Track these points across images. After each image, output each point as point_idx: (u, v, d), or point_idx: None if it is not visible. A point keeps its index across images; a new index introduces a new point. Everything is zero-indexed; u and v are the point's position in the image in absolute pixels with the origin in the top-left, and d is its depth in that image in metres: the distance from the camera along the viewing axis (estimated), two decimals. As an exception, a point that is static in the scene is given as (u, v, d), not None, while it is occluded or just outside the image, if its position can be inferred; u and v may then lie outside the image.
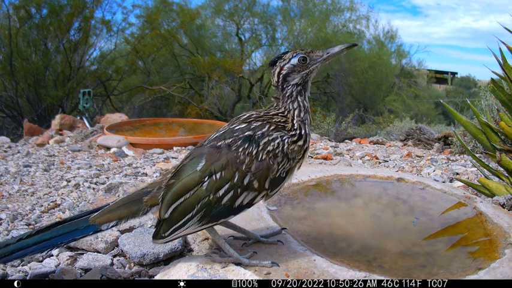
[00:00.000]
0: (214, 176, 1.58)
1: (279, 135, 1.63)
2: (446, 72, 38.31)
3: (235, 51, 18.87)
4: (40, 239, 1.62)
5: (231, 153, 1.59)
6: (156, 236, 1.63)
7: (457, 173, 3.86)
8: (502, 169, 2.86)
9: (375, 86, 18.99)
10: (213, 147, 1.64)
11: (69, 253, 2.02)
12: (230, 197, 1.58)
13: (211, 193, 1.57)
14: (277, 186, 1.65)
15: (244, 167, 1.57)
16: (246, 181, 1.58)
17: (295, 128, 1.67)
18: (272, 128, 1.65)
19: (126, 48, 15.14)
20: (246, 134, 1.63)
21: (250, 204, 1.62)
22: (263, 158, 1.59)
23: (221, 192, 1.57)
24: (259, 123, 1.67)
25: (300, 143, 1.66)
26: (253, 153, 1.59)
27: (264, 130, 1.64)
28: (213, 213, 1.59)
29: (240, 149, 1.59)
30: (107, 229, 1.66)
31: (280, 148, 1.61)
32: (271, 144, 1.60)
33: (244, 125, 1.67)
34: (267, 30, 18.88)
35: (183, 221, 1.59)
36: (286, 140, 1.63)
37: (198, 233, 1.99)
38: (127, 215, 1.66)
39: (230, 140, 1.63)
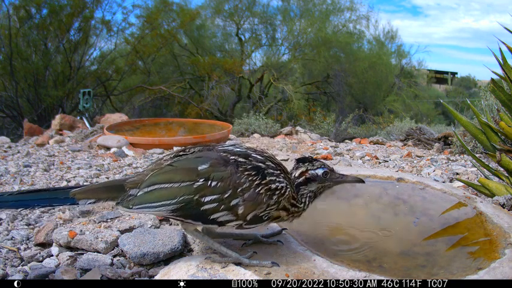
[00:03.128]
0: (209, 182, 1.60)
1: (285, 184, 1.68)
2: (446, 72, 38.32)
3: (235, 51, 18.88)
4: (19, 198, 1.70)
5: (236, 171, 1.62)
6: (123, 203, 1.65)
7: (457, 173, 3.86)
8: (502, 169, 2.86)
9: (375, 86, 18.99)
10: (222, 158, 1.67)
11: (69, 253, 2.02)
12: (211, 207, 1.60)
13: (198, 195, 1.59)
14: (254, 224, 1.67)
15: (239, 190, 1.60)
16: (233, 203, 1.60)
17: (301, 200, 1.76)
18: (283, 176, 1.70)
19: (126, 48, 15.13)
20: (258, 164, 1.67)
21: (222, 223, 1.64)
22: (260, 192, 1.62)
23: (206, 199, 1.59)
24: (275, 165, 1.72)
25: (295, 204, 1.73)
26: (255, 182, 1.62)
27: (275, 172, 1.69)
28: (187, 212, 1.61)
29: (246, 173, 1.63)
30: (83, 205, 1.70)
31: (280, 193, 1.65)
32: (275, 184, 1.65)
33: (261, 158, 1.72)
34: (267, 30, 18.90)
35: (158, 203, 1.61)
36: (288, 192, 1.68)
37: (197, 234, 1.99)
38: (106, 197, 1.70)
39: (242, 160, 1.67)
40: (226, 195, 1.60)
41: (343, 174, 1.83)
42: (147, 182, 1.65)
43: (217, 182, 1.60)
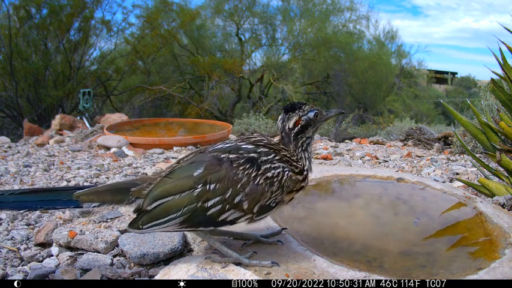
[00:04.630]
0: (208, 185, 1.60)
1: (281, 166, 1.67)
2: (446, 72, 38.31)
3: (235, 51, 18.88)
4: (21, 199, 1.66)
5: (231, 169, 1.62)
6: (133, 225, 1.65)
7: (457, 173, 3.86)
8: (502, 169, 2.86)
9: (375, 86, 19.00)
10: (215, 158, 1.66)
11: (69, 253, 2.02)
12: (217, 210, 1.60)
13: (200, 201, 1.59)
14: (264, 214, 1.67)
15: (239, 186, 1.60)
16: (237, 200, 1.60)
17: (300, 164, 1.74)
18: (277, 158, 1.69)
19: (126, 48, 15.13)
20: (250, 155, 1.66)
21: (232, 222, 1.64)
22: (260, 182, 1.61)
23: (210, 203, 1.59)
24: (267, 149, 1.70)
25: (300, 177, 1.72)
26: (252, 175, 1.61)
27: (269, 157, 1.67)
28: (195, 220, 1.61)
29: (241, 168, 1.62)
30: (87, 208, 1.69)
31: (279, 178, 1.64)
32: (272, 171, 1.64)
33: (251, 146, 1.70)
34: (267, 30, 18.90)
35: (165, 219, 1.61)
36: (287, 173, 1.67)
37: (199, 232, 1.99)
38: (111, 201, 1.69)
39: (234, 156, 1.66)
40: (228, 195, 1.59)
41: (327, 111, 1.84)
42: (149, 199, 1.64)
43: (216, 184, 1.60)
